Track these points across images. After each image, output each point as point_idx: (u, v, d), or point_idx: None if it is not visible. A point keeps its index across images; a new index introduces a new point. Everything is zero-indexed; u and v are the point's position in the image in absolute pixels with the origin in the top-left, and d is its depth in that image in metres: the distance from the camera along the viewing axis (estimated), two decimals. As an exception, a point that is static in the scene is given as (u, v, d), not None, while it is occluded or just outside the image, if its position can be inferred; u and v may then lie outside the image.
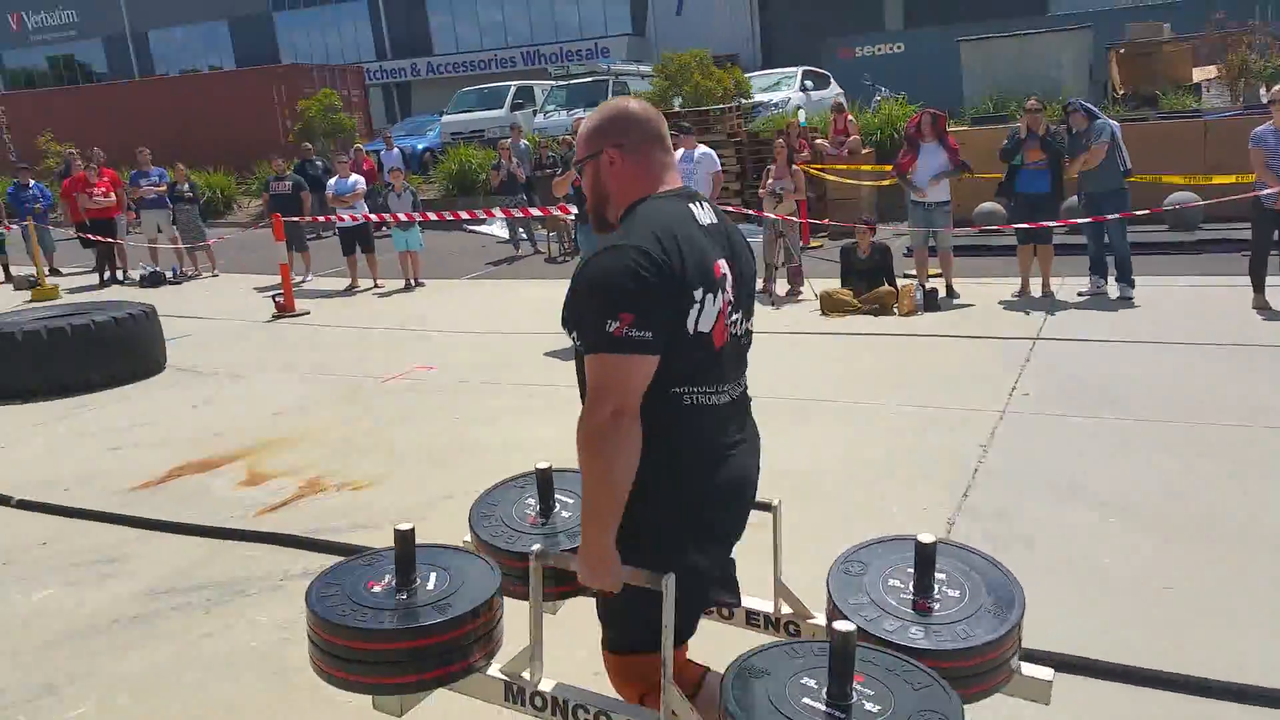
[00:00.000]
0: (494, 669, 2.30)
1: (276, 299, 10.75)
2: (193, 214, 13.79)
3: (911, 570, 2.27)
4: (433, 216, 12.58)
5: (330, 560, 4.23)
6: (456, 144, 20.08)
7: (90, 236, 13.49)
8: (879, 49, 23.82)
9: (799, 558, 2.95)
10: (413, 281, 11.80)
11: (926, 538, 2.23)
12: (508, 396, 6.77)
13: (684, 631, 2.13)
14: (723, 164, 10.80)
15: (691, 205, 2.10)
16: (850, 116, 14.37)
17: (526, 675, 2.26)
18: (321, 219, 13.80)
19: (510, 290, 11.44)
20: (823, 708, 1.82)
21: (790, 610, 2.55)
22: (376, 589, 2.34)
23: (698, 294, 1.96)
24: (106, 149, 15.90)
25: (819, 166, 13.08)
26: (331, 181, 12.66)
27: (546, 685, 2.25)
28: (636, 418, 1.91)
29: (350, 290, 12.00)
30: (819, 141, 13.81)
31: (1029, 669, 2.24)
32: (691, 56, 18.85)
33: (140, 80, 34.36)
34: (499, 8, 36.86)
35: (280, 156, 14.17)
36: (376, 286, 12.03)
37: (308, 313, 10.60)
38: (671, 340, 1.94)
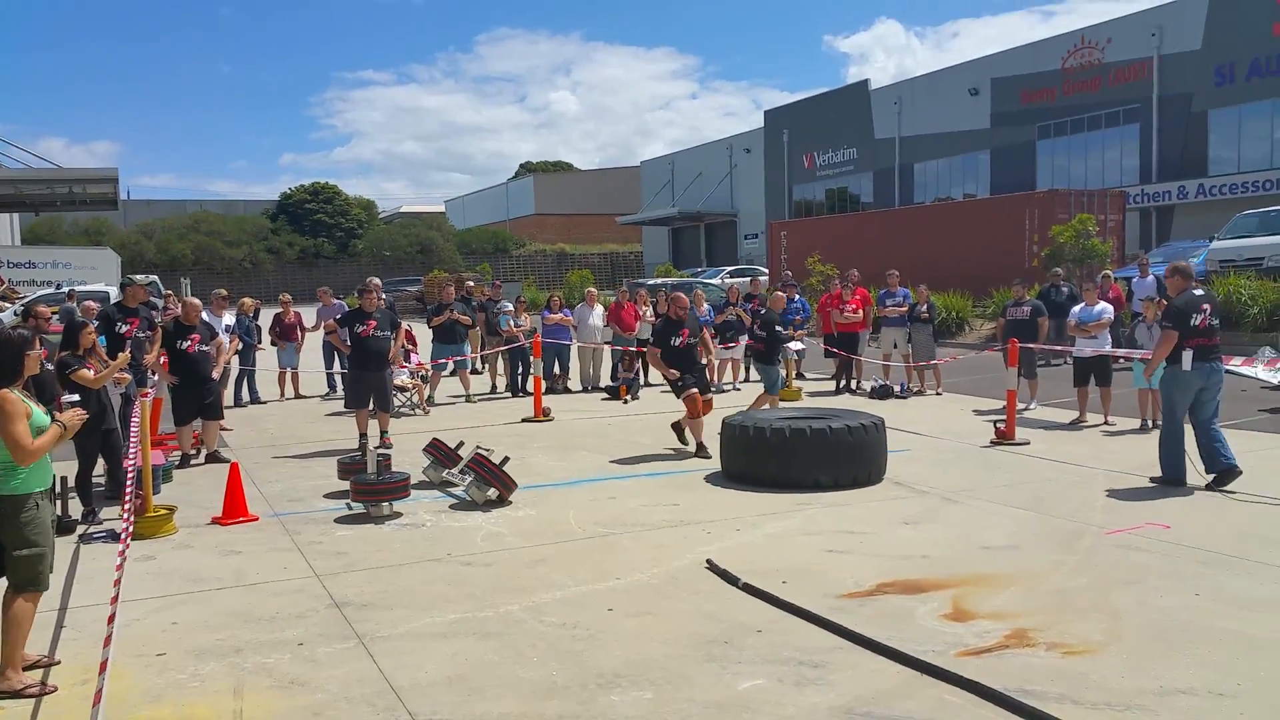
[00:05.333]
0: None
1: (997, 425, 10.53)
2: (927, 333, 14.36)
3: None
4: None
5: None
6: (1225, 272, 17.92)
7: (835, 350, 14.79)
8: None
9: None
10: (1149, 422, 10.62)
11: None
12: (1268, 581, 5.57)
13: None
14: None
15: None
16: None
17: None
18: (1058, 347, 13.30)
19: None
20: None
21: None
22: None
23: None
24: (862, 269, 17.42)
25: None
26: (1076, 309, 12.16)
27: None
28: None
29: (1076, 424, 11.28)
30: None
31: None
32: None
33: (900, 209, 37.50)
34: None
35: (1021, 282, 14.03)
36: (1107, 424, 11.13)
37: (1028, 443, 10.16)
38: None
